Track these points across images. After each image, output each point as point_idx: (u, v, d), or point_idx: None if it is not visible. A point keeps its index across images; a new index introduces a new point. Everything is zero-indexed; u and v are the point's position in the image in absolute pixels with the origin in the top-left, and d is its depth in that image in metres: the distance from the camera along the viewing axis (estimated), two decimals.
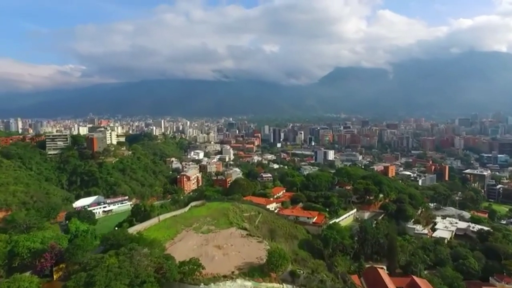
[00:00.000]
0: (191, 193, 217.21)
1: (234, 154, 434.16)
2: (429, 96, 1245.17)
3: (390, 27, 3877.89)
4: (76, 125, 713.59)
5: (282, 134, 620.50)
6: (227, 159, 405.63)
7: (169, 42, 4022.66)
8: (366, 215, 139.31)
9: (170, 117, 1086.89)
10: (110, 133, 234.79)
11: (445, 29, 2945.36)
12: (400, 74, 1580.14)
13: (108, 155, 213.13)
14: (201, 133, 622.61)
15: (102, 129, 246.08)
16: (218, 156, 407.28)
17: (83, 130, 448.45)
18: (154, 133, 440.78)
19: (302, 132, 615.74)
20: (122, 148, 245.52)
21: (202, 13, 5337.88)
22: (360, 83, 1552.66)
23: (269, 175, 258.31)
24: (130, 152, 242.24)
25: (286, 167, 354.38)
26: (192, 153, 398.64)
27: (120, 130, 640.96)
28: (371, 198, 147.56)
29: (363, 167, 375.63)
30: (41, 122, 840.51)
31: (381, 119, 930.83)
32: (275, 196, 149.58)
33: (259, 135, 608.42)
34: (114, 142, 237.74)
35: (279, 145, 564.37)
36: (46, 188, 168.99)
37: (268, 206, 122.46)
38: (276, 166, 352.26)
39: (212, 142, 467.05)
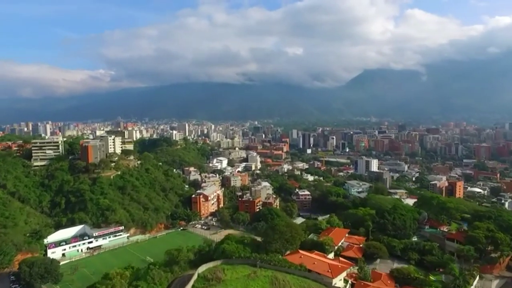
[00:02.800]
0: (209, 219, 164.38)
1: (261, 162, 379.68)
2: (465, 98, 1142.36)
3: (419, 26, 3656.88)
4: (101, 128, 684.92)
5: (311, 139, 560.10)
6: (253, 168, 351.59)
7: (192, 46, 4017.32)
8: (494, 284, 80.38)
9: (195, 120, 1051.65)
10: (114, 139, 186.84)
11: (480, 28, 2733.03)
12: (433, 76, 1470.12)
13: (106, 167, 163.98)
14: (226, 137, 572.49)
15: (105, 134, 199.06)
16: (243, 164, 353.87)
17: (101, 134, 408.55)
18: (174, 138, 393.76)
19: (334, 137, 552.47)
20: (129, 158, 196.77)
21: (224, 16, 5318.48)
22: (389, 85, 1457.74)
23: (307, 193, 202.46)
24: (138, 163, 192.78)
25: (322, 178, 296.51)
26: (215, 160, 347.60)
27: (144, 133, 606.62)
28: (495, 253, 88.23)
29: (414, 179, 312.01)
30: (68, 125, 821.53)
31: (415, 123, 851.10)
32: (337, 247, 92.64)
33: (287, 140, 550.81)
34: (118, 150, 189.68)
35: (309, 151, 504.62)
36: (12, 215, 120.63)
37: (335, 282, 66.21)
38: (310, 177, 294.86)
39: (236, 148, 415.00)
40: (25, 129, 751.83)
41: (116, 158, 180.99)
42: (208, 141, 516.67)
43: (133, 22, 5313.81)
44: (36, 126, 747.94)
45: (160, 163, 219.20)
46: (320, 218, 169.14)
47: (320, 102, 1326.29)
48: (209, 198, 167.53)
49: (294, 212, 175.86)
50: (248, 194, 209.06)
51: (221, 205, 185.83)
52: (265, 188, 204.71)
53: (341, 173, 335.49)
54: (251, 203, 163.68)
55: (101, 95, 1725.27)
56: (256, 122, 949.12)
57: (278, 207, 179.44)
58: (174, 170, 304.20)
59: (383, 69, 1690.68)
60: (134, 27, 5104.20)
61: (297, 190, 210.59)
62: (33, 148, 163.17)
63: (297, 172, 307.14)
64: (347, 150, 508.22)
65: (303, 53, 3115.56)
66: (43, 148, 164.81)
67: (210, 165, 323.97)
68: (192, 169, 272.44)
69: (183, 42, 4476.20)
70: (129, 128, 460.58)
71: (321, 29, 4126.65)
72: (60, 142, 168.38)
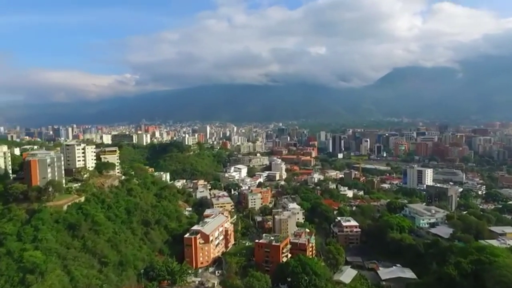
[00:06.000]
0: (209, 272, 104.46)
1: (286, 170, 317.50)
2: (507, 95, 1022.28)
3: (450, 21, 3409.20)
4: (129, 130, 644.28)
5: (342, 142, 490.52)
6: (277, 177, 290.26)
7: (213, 48, 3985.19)
8: None
9: (218, 122, 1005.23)
10: (84, 148, 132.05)
11: None
12: (468, 72, 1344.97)
13: (60, 192, 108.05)
14: (247, 141, 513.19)
15: (72, 143, 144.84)
16: (265, 173, 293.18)
17: (107, 139, 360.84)
18: (186, 142, 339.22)
19: (368, 139, 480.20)
20: (109, 173, 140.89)
21: (244, 17, 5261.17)
22: (421, 83, 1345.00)
23: (354, 223, 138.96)
24: (116, 182, 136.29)
25: (363, 193, 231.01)
26: (232, 169, 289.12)
27: (165, 136, 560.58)
28: None
29: (484, 194, 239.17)
30: (90, 128, 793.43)
31: (453, 123, 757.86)
32: None
33: (315, 143, 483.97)
34: (91, 164, 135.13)
35: (340, 155, 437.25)
36: None
37: None
38: (348, 191, 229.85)
39: (258, 154, 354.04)
40: (50, 132, 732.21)
41: (86, 176, 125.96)
42: (228, 145, 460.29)
43: (155, 26, 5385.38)
44: (57, 129, 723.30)
45: (152, 181, 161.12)
46: (383, 271, 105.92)
47: (348, 103, 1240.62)
48: (210, 239, 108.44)
49: (340, 259, 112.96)
50: (270, 223, 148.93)
51: (231, 243, 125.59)
52: (293, 215, 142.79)
53: (385, 185, 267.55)
54: (273, 250, 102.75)
55: (128, 99, 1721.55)
56: (281, 124, 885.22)
57: (313, 249, 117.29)
58: (184, 181, 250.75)
59: (413, 67, 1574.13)
60: (156, 31, 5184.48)
61: (339, 219, 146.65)
62: None
63: (332, 185, 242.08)
64: (384, 154, 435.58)
65: (326, 53, 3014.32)
66: None
67: (226, 175, 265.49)
68: (200, 183, 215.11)
69: (204, 44, 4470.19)
70: (139, 132, 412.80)
71: (344, 27, 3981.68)
72: (1, 154, 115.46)
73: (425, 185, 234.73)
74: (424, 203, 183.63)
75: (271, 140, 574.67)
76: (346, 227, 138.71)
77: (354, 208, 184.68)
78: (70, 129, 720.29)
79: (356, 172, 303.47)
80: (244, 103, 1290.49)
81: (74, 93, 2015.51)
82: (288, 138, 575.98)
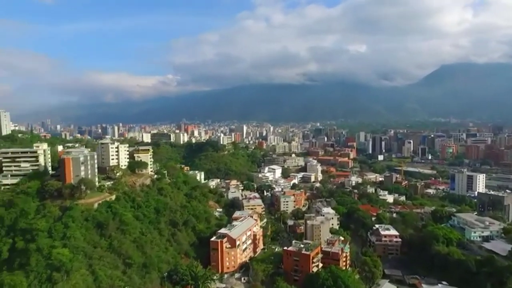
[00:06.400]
0: (235, 278, 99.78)
1: (322, 171, 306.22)
2: None
3: (504, 13, 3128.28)
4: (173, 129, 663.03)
5: (383, 143, 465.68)
6: (312, 179, 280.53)
7: (251, 49, 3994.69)
8: None
9: (256, 122, 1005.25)
10: (117, 147, 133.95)
11: None
12: None
13: (93, 190, 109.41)
14: (283, 140, 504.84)
15: (107, 140, 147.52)
16: (300, 175, 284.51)
17: (147, 137, 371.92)
18: (221, 142, 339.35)
19: (411, 141, 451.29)
20: (142, 171, 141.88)
21: (281, 16, 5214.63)
22: (471, 81, 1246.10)
23: (393, 233, 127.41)
24: (147, 181, 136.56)
25: (405, 198, 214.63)
26: (267, 169, 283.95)
27: (203, 135, 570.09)
28: None
29: None
30: (134, 127, 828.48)
31: (508, 123, 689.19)
32: None
33: (354, 144, 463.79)
34: (124, 162, 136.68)
35: (380, 157, 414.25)
36: None
37: None
38: (388, 196, 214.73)
39: (293, 155, 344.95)
40: (99, 130, 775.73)
41: (119, 174, 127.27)
42: (264, 144, 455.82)
43: (197, 29, 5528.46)
44: (105, 128, 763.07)
45: (183, 181, 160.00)
46: None
47: (390, 102, 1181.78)
48: (237, 243, 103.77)
49: (376, 272, 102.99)
50: (301, 228, 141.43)
51: (259, 247, 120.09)
52: (327, 221, 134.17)
53: (430, 190, 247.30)
54: (303, 259, 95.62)
55: (170, 99, 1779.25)
56: (318, 124, 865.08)
57: (347, 259, 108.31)
58: (218, 180, 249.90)
59: (462, 64, 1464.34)
60: (197, 33, 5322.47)
61: (377, 226, 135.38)
62: (3, 160, 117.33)
63: (370, 189, 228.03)
64: (430, 157, 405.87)
65: (367, 51, 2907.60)
66: (17, 160, 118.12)
67: (260, 175, 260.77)
68: (233, 183, 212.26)
69: (242, 45, 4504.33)
70: (176, 131, 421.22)
71: (386, 23, 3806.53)
72: (41, 152, 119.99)
73: (476, 192, 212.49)
74: (475, 213, 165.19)
75: (307, 140, 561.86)
76: (385, 236, 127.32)
77: (394, 215, 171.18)
78: (116, 128, 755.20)
79: (398, 176, 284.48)
80: (281, 103, 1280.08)
81: (121, 94, 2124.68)
82: (326, 138, 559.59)
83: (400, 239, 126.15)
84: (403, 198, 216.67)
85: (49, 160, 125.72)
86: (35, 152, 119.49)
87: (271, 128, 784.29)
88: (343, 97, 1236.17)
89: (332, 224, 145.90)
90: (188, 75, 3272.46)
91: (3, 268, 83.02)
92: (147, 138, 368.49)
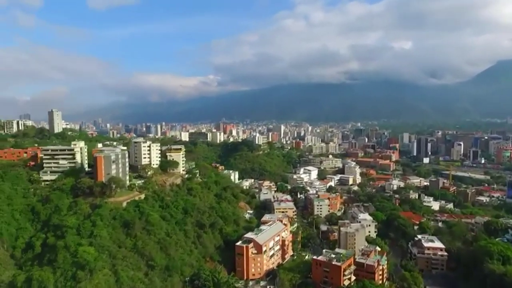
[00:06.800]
0: (261, 286, 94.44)
1: (361, 173, 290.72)
2: None
3: None
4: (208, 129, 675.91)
5: (429, 145, 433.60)
6: (350, 182, 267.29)
7: (290, 48, 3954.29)
8: None
9: (294, 122, 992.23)
10: (149, 146, 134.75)
11: None
12: None
13: (123, 188, 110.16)
14: (321, 141, 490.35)
15: (140, 139, 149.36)
16: (337, 177, 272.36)
17: (185, 136, 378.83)
18: (257, 142, 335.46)
19: (461, 143, 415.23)
20: (173, 170, 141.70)
21: (321, 14, 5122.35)
22: None
23: (438, 245, 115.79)
24: (178, 180, 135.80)
25: (452, 206, 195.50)
26: (302, 170, 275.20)
27: (241, 135, 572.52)
28: None
29: None
30: (175, 126, 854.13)
31: None
32: None
33: (397, 145, 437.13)
34: (156, 161, 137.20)
35: (426, 160, 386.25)
36: None
37: None
38: (433, 203, 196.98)
39: (330, 156, 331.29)
40: (144, 129, 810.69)
41: (150, 173, 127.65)
42: (301, 145, 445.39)
43: (237, 29, 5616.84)
44: (149, 126, 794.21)
45: (215, 181, 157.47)
46: None
47: (438, 101, 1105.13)
48: (264, 249, 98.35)
49: None
50: (335, 235, 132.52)
51: (288, 254, 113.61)
52: (362, 228, 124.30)
53: (482, 198, 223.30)
54: (333, 270, 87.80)
55: (210, 98, 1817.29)
56: (359, 124, 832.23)
57: (384, 272, 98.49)
58: (252, 180, 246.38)
59: None
60: (237, 34, 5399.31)
61: (419, 237, 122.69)
62: (44, 157, 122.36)
63: (413, 194, 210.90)
64: (482, 161, 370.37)
65: (412, 47, 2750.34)
66: (56, 157, 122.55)
67: (295, 176, 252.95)
68: (266, 184, 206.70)
69: (281, 44, 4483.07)
70: (213, 130, 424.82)
71: (434, 18, 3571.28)
72: (77, 150, 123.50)
73: None
74: None
75: (347, 141, 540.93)
76: (429, 248, 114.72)
77: (440, 224, 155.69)
78: (159, 126, 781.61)
79: (445, 181, 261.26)
80: (321, 102, 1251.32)
81: (165, 94, 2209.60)
82: (366, 139, 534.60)
83: (446, 253, 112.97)
84: (450, 205, 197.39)
85: (86, 157, 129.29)
86: (72, 150, 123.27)
87: (309, 128, 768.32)
88: (386, 96, 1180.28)
89: (369, 232, 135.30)
90: (228, 75, 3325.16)
91: (35, 262, 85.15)
92: (185, 137, 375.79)
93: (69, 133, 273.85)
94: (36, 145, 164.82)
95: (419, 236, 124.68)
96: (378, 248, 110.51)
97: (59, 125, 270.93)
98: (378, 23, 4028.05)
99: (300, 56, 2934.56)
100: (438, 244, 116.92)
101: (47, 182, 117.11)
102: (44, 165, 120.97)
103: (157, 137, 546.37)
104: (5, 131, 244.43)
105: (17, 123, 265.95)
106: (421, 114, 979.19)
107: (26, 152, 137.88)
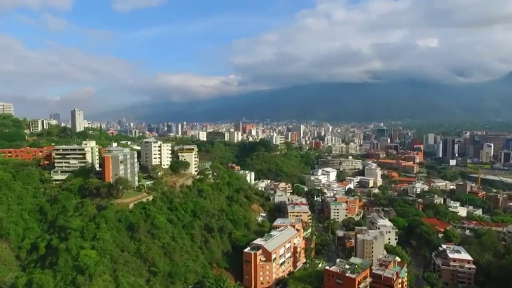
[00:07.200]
0: None
1: (383, 175, 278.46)
2: None
3: None
4: (228, 128, 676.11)
5: (456, 146, 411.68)
6: (370, 184, 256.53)
7: (311, 47, 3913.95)
8: None
9: (315, 122, 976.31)
10: (160, 146, 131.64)
11: None
12: None
13: (131, 189, 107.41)
14: (342, 141, 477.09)
15: (151, 139, 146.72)
16: (357, 179, 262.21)
17: (203, 136, 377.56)
18: (274, 142, 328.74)
19: (491, 144, 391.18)
20: (185, 171, 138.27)
21: (343, 12, 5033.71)
22: None
23: (465, 257, 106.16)
24: (189, 181, 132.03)
25: (481, 212, 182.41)
26: (320, 171, 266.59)
27: (260, 134, 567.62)
28: None
29: None
30: (196, 125, 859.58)
31: None
32: None
33: (421, 147, 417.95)
34: (167, 161, 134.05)
35: (452, 162, 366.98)
36: None
37: None
38: (460, 208, 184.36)
39: (350, 157, 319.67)
40: (165, 128, 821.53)
41: (160, 174, 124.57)
42: (321, 145, 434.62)
43: (257, 29, 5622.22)
44: (170, 126, 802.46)
45: (227, 182, 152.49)
46: None
47: (466, 100, 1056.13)
48: (273, 257, 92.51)
49: None
50: (352, 242, 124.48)
51: (300, 261, 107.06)
52: (381, 236, 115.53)
53: None
54: (347, 283, 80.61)
55: (231, 98, 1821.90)
56: (382, 124, 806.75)
57: (403, 286, 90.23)
58: (268, 181, 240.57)
59: None
60: (257, 34, 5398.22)
61: (444, 247, 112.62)
62: (55, 156, 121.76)
63: (438, 199, 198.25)
64: None
65: (439, 45, 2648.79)
66: (67, 156, 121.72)
67: (312, 178, 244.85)
68: (281, 185, 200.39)
69: (302, 44, 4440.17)
70: (231, 130, 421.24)
71: (462, 14, 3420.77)
72: (88, 149, 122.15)
73: None
74: None
75: (368, 141, 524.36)
76: (455, 260, 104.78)
77: (467, 232, 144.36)
78: (180, 126, 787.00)
79: (473, 184, 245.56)
80: (342, 102, 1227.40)
81: (187, 93, 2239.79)
82: (389, 140, 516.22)
83: (474, 266, 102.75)
84: (479, 212, 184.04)
85: (97, 157, 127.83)
86: (82, 149, 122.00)
87: (330, 128, 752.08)
88: (410, 96, 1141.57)
89: (389, 240, 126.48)
90: (249, 75, 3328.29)
91: (38, 264, 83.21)
92: (203, 136, 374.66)
93: (90, 132, 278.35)
94: (53, 144, 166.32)
95: (444, 246, 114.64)
96: (398, 259, 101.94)
97: (81, 124, 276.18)
98: (403, 20, 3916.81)
99: (321, 55, 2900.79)
100: (465, 255, 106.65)
101: (58, 182, 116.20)
102: (56, 164, 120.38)
103: (177, 136, 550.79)
104: (31, 130, 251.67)
105: (42, 122, 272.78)
106: (447, 114, 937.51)
107: (41, 151, 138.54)
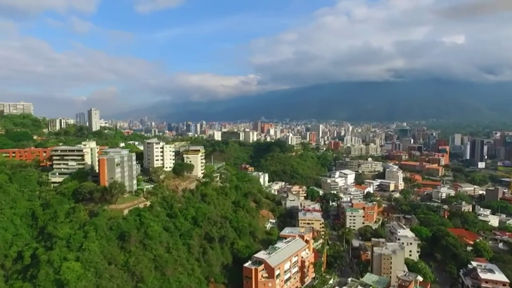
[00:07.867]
0: None
1: (405, 178, 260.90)
2: None
3: None
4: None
5: (485, 148, 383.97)
6: (391, 188, 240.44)
7: (331, 46, 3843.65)
8: None
9: (335, 121, 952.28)
10: (162, 147, 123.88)
11: None
12: None
13: (131, 194, 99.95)
14: (362, 142, 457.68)
15: (154, 140, 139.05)
16: (377, 182, 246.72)
17: (218, 136, 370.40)
18: (290, 142, 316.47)
19: None
20: (190, 173, 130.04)
21: (364, 10, 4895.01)
22: None
23: (502, 278, 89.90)
24: (192, 185, 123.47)
25: None
26: (337, 174, 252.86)
27: (278, 134, 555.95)
28: None
29: None
30: (215, 125, 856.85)
31: None
32: None
33: (446, 148, 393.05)
34: (170, 163, 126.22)
35: (481, 165, 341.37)
36: None
37: None
38: (491, 217, 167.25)
39: (370, 159, 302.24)
40: (184, 127, 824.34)
41: (161, 177, 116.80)
42: (340, 146, 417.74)
43: (276, 28, 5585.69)
44: (189, 125, 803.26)
45: (235, 185, 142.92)
46: None
47: (495, 99, 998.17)
48: (276, 273, 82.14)
49: None
50: (368, 254, 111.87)
51: (309, 277, 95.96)
52: (401, 250, 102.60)
53: None
54: None
55: (250, 97, 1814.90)
56: (405, 124, 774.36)
57: None
58: (282, 184, 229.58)
59: None
60: (276, 33, 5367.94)
61: (474, 264, 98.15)
62: (53, 158, 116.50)
63: (466, 206, 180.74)
64: None
65: (465, 42, 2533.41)
66: (65, 158, 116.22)
67: (329, 180, 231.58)
68: (294, 189, 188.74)
69: (321, 42, 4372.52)
70: (246, 130, 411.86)
71: (490, 8, 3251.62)
72: (87, 151, 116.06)
73: None
74: None
75: (390, 142, 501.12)
76: (487, 281, 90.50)
77: (500, 245, 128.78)
78: (198, 125, 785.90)
79: (505, 190, 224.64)
80: (362, 101, 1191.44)
81: (206, 93, 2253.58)
82: (412, 140, 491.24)
83: None
84: None
85: (96, 159, 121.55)
86: (81, 150, 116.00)
87: (350, 128, 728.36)
88: (435, 94, 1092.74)
89: (410, 252, 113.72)
90: (268, 74, 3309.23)
91: (19, 276, 76.58)
92: (218, 136, 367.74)
93: (105, 131, 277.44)
94: (60, 144, 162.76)
95: (474, 264, 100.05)
96: (420, 278, 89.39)
97: (97, 124, 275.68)
98: (427, 17, 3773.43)
99: (341, 54, 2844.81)
100: (499, 275, 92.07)
101: (55, 184, 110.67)
102: (54, 166, 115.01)
103: (195, 135, 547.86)
104: (49, 129, 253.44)
105: (60, 121, 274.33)
106: (475, 114, 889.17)
107: (45, 152, 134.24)
